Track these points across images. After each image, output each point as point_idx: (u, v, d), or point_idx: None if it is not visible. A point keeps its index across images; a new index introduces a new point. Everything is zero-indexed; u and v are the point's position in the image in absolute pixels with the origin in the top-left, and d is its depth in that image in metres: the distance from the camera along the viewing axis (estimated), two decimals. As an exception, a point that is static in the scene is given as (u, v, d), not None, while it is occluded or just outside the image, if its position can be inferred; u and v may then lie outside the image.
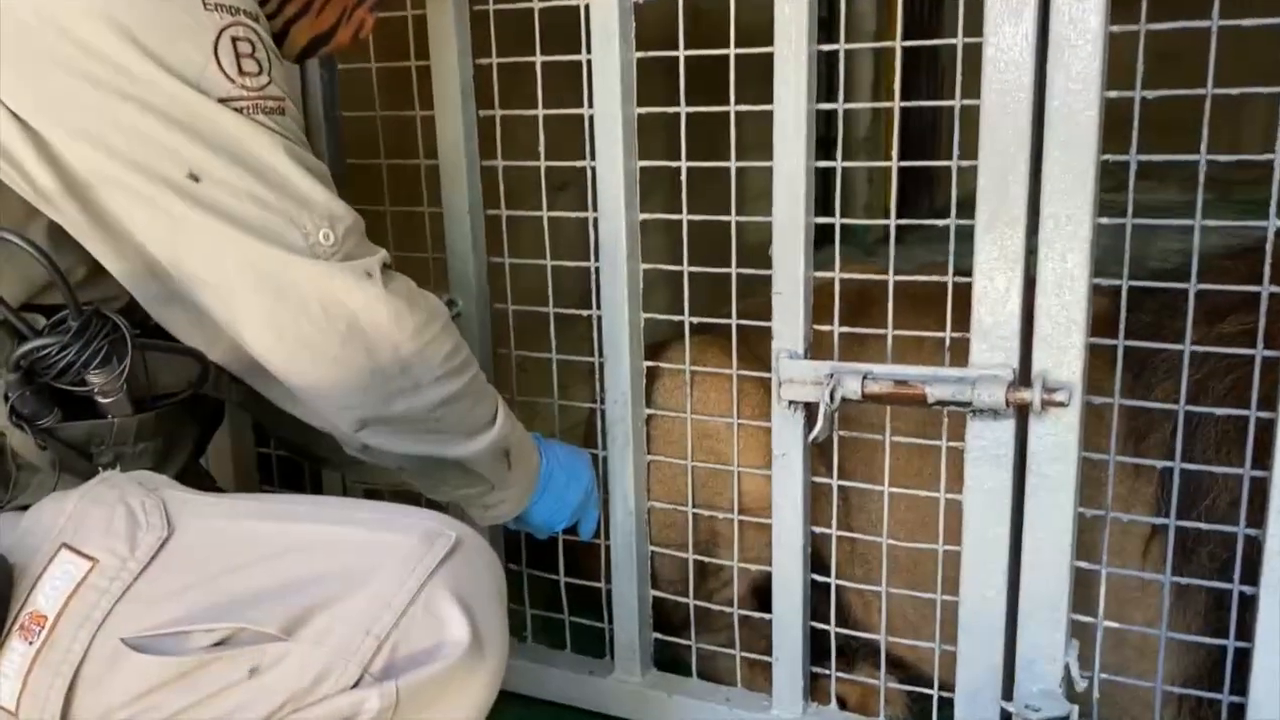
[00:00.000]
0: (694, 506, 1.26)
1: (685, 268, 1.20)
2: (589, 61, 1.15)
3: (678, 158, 1.17)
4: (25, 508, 0.84)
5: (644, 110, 1.17)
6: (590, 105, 1.17)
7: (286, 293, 0.85)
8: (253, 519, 0.84)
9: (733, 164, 1.15)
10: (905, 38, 1.14)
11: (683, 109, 1.14)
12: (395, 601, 0.77)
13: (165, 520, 0.81)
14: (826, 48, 1.07)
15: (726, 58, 1.10)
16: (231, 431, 1.42)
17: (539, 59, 1.19)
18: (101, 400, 0.85)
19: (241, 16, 0.83)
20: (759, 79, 1.11)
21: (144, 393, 0.89)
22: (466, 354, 0.99)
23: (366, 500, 0.96)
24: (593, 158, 1.19)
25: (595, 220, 1.21)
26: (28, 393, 0.82)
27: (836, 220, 1.09)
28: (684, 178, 1.17)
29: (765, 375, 1.14)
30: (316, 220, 0.86)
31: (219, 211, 0.82)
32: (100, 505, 0.80)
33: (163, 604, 0.77)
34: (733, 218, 1.16)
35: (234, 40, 0.82)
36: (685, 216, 1.18)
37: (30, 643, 0.75)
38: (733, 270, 1.17)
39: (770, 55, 1.07)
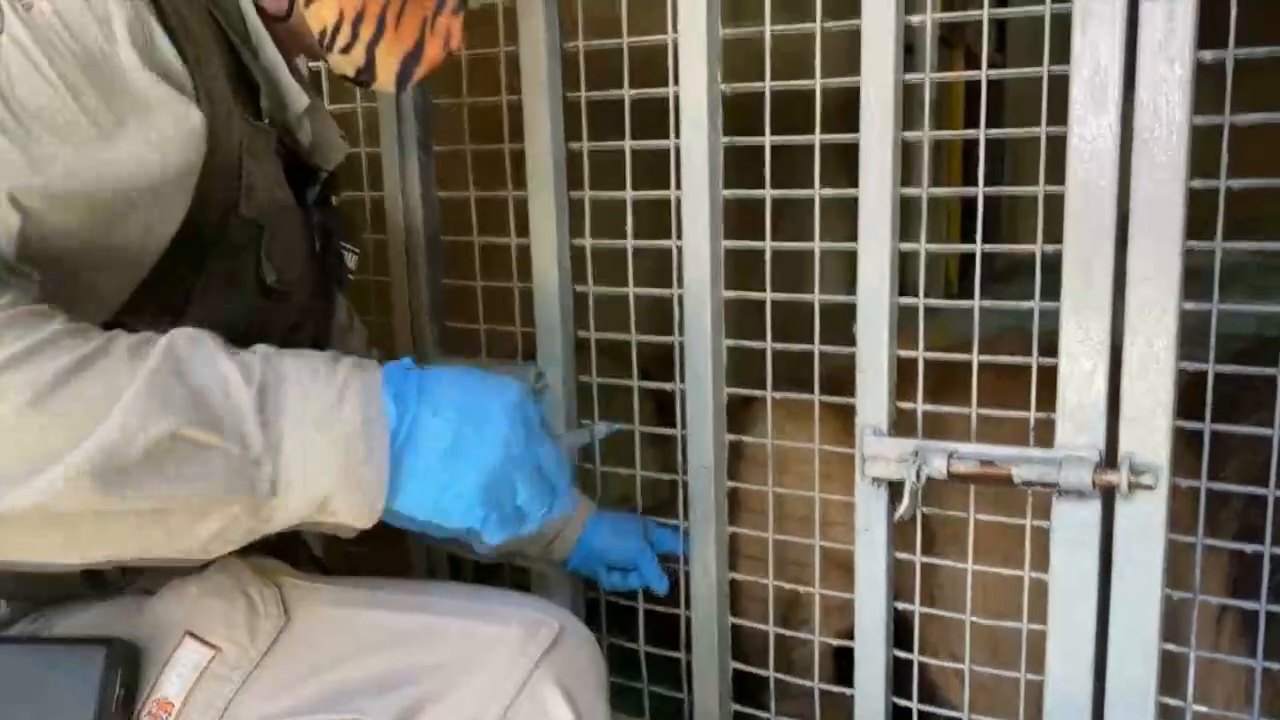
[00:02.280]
0: (779, 565, 1.27)
1: (769, 344, 1.23)
2: (678, 147, 1.20)
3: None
4: (145, 590, 0.88)
5: (730, 194, 1.21)
6: (678, 187, 1.22)
7: None
8: (364, 607, 0.88)
9: (816, 245, 1.18)
10: (968, 126, 1.17)
11: (768, 193, 1.19)
12: (502, 694, 0.81)
13: (282, 609, 0.85)
14: (910, 135, 1.10)
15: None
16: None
17: (628, 144, 1.24)
18: None
19: None
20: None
21: None
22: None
23: (473, 585, 0.99)
24: (678, 237, 1.23)
25: (680, 297, 1.25)
26: None
27: (920, 301, 1.11)
28: (768, 256, 1.21)
29: (849, 451, 1.15)
30: None
31: None
32: (220, 594, 0.85)
33: (281, 693, 0.81)
34: (816, 296, 1.19)
35: None
36: (769, 295, 1.21)
37: None
38: (815, 348, 1.20)
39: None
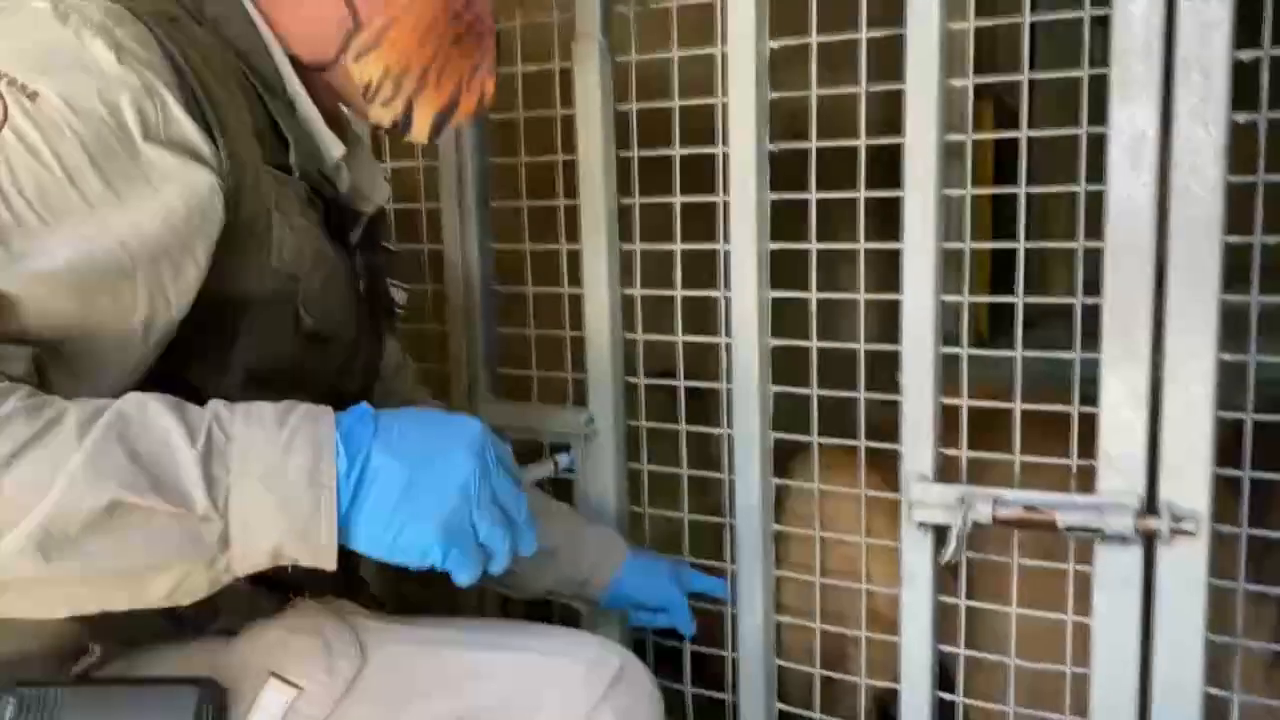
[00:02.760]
0: (824, 612, 1.30)
1: (814, 391, 1.27)
2: (725, 203, 1.25)
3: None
4: (225, 630, 0.93)
5: (776, 246, 1.26)
6: (725, 240, 1.27)
7: None
8: (434, 645, 0.92)
9: (861, 296, 1.22)
10: (999, 174, 1.21)
11: (813, 245, 1.23)
12: None
13: (359, 648, 0.89)
14: (953, 192, 1.14)
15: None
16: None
17: (677, 200, 1.30)
18: None
19: (6, 86, 0.72)
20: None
21: None
22: None
23: (533, 623, 1.03)
24: (727, 288, 1.28)
25: (728, 345, 1.29)
26: None
27: (964, 351, 1.15)
28: (813, 307, 1.25)
29: (894, 496, 1.19)
30: None
31: None
32: (300, 634, 0.89)
33: None
34: (860, 345, 1.23)
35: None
36: (814, 344, 1.26)
37: None
38: (860, 395, 1.24)
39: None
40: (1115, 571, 1.07)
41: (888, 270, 1.19)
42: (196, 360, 0.84)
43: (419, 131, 0.98)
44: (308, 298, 0.90)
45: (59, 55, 0.73)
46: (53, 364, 0.72)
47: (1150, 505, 1.05)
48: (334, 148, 0.95)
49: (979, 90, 1.13)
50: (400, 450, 0.73)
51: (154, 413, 0.69)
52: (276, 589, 0.94)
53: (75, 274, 0.71)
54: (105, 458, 0.65)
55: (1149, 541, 1.06)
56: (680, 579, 1.33)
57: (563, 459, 1.07)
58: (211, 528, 0.68)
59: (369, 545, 0.73)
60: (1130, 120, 1.00)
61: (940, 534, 1.16)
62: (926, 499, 1.14)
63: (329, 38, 0.91)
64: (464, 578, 0.76)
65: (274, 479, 0.69)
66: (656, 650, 1.44)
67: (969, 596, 1.20)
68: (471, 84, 0.98)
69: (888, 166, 1.17)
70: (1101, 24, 1.05)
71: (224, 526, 0.68)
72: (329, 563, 0.72)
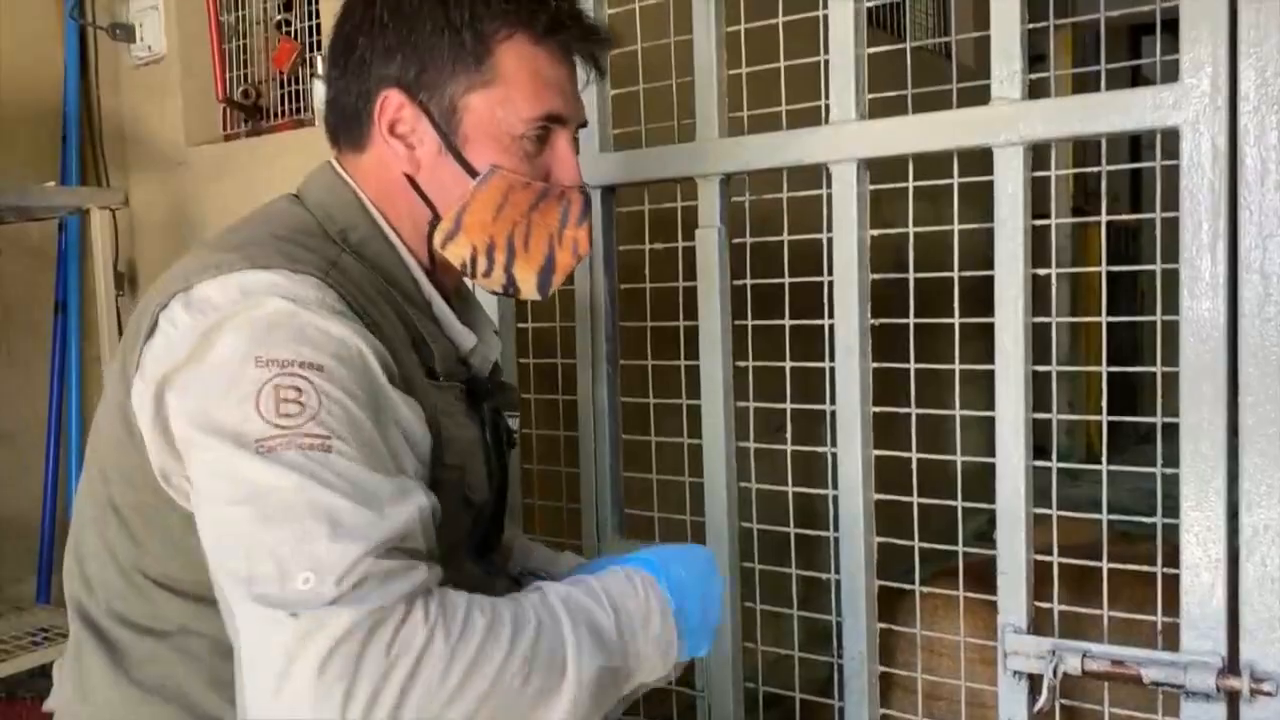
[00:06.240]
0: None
1: (916, 543, 1.38)
2: (832, 369, 1.39)
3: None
4: None
5: (879, 409, 1.39)
6: (832, 402, 1.40)
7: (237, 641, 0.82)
8: None
9: (959, 459, 1.34)
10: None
11: (913, 410, 1.36)
12: None
13: None
14: (1038, 320, 1.26)
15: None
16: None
17: (788, 364, 1.44)
18: None
19: (294, 368, 0.86)
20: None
21: None
22: (478, 652, 0.81)
23: None
24: (833, 444, 1.41)
25: (835, 498, 1.42)
26: None
27: (1054, 513, 1.26)
28: (914, 465, 1.38)
29: (991, 644, 1.29)
30: (301, 563, 0.79)
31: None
32: None
33: None
34: (959, 503, 1.34)
35: (277, 389, 0.85)
36: (916, 500, 1.38)
37: None
38: (959, 549, 1.35)
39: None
40: (1201, 726, 1.15)
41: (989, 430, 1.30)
42: None
43: (527, 293, 1.07)
44: (468, 480, 1.04)
45: (313, 333, 0.88)
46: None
47: (1232, 665, 1.13)
48: (466, 340, 1.08)
49: (1086, 210, 1.25)
50: (689, 592, 0.99)
51: (576, 599, 0.93)
52: None
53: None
54: (585, 639, 0.89)
55: (1232, 699, 1.14)
56: None
57: None
58: (626, 669, 0.93)
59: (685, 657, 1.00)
60: (1199, 315, 1.12)
61: (1034, 682, 1.25)
62: (1020, 649, 1.24)
63: (422, 233, 1.04)
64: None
65: (651, 631, 0.95)
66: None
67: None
68: (562, 240, 1.05)
69: (986, 310, 1.29)
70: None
71: (629, 668, 0.93)
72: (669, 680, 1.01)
